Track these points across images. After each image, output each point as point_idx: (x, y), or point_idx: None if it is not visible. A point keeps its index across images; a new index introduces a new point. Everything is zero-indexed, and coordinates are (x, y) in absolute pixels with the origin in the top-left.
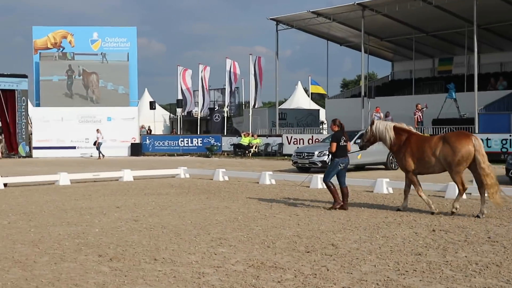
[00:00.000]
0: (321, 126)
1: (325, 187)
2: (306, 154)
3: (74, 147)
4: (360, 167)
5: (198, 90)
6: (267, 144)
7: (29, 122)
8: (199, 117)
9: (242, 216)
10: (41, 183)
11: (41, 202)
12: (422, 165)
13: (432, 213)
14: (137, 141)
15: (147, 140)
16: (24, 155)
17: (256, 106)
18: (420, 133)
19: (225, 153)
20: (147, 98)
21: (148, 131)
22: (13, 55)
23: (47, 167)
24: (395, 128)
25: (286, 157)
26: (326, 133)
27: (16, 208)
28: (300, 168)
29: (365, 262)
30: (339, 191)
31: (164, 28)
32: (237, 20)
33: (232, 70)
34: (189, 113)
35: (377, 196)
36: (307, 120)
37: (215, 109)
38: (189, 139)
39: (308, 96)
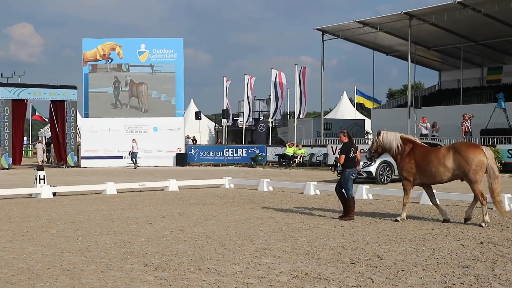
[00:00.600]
0: (366, 137)
1: (370, 197)
2: None
3: (121, 157)
4: None
5: (243, 101)
6: (311, 155)
7: (78, 133)
8: (244, 127)
9: (287, 227)
10: (89, 192)
11: (89, 211)
12: (427, 175)
13: (396, 220)
14: (183, 151)
15: (193, 150)
16: (73, 164)
17: (301, 116)
18: (425, 145)
19: (270, 163)
20: (192, 108)
21: (194, 141)
22: (63, 67)
23: (95, 176)
24: (401, 138)
25: (331, 167)
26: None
27: (64, 217)
28: None
29: (411, 274)
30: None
31: (211, 39)
32: (283, 30)
33: (277, 80)
34: (234, 123)
35: (423, 207)
36: (352, 130)
37: (260, 119)
38: (234, 149)
39: (354, 106)
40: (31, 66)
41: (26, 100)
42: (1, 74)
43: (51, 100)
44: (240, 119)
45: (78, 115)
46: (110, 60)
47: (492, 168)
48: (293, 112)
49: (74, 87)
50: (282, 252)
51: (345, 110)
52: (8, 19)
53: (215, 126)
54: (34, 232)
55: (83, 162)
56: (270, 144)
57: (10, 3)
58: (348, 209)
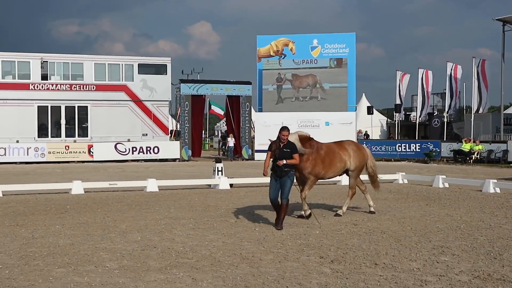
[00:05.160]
0: None
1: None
2: None
3: None
4: None
5: (417, 95)
6: (490, 151)
7: (252, 127)
8: (417, 122)
9: (465, 225)
10: (264, 184)
11: (264, 203)
12: (331, 170)
13: (302, 216)
14: None
15: (364, 144)
16: (247, 158)
17: (480, 112)
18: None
19: (444, 159)
20: (364, 103)
21: (365, 136)
22: (238, 63)
23: None
24: (300, 137)
25: (511, 164)
26: None
27: (241, 208)
28: None
29: None
30: None
31: (384, 33)
32: (460, 21)
33: (453, 73)
34: (407, 118)
35: None
36: None
37: (434, 114)
38: (407, 144)
39: None
40: (209, 63)
41: (204, 95)
42: (182, 71)
43: (227, 95)
44: (413, 113)
45: (252, 109)
46: (283, 56)
47: (370, 164)
48: (469, 107)
49: (249, 83)
50: (461, 251)
51: None
52: (188, 19)
53: (387, 120)
54: (214, 221)
55: (257, 155)
56: (444, 139)
57: (190, 3)
58: (283, 214)
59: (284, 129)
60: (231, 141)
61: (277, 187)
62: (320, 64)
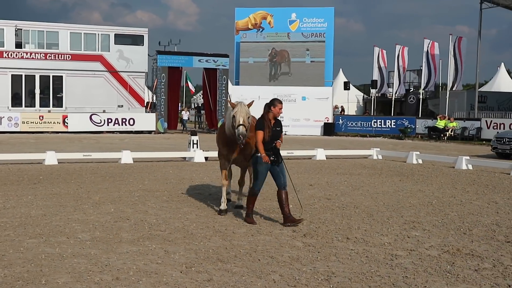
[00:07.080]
0: None
1: None
2: (507, 139)
3: None
4: None
5: (393, 71)
6: (464, 128)
7: (229, 100)
8: (393, 99)
9: (437, 201)
10: None
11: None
12: None
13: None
14: (330, 121)
15: (340, 120)
16: None
17: (455, 89)
18: None
19: (419, 135)
20: (341, 78)
21: (341, 112)
22: (217, 35)
23: None
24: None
25: (484, 142)
26: None
27: (216, 181)
28: (500, 154)
29: None
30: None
31: (363, 8)
32: None
33: (429, 50)
34: (383, 94)
35: None
36: (510, 104)
37: (410, 91)
38: (382, 121)
39: None
40: (187, 35)
41: (181, 67)
42: (159, 42)
43: (204, 68)
44: (389, 89)
45: (229, 83)
46: (261, 29)
47: None
48: (445, 84)
49: (226, 56)
50: (432, 226)
51: (502, 83)
52: None
53: (363, 96)
54: (188, 193)
55: None
56: (420, 116)
57: None
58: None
59: (280, 101)
60: (185, 115)
61: (279, 172)
62: (298, 38)
